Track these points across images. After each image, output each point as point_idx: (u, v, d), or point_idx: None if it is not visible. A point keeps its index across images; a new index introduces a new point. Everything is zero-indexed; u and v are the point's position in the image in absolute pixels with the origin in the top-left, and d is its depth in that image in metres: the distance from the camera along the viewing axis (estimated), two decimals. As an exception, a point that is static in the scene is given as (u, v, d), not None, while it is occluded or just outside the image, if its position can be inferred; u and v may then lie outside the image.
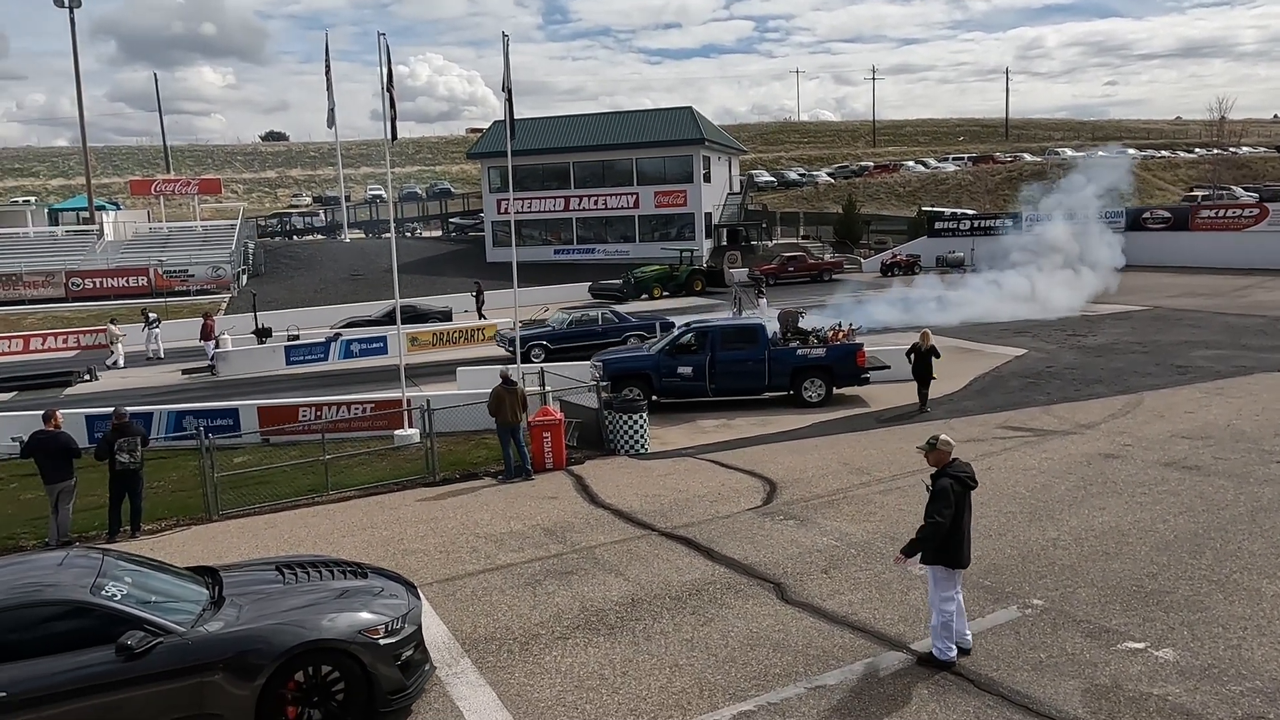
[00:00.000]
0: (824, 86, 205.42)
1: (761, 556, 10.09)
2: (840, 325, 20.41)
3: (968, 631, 7.65)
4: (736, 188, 58.19)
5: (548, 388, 16.87)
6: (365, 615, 6.98)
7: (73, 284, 44.71)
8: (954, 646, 7.41)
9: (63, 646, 6.16)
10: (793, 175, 77.78)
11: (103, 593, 6.52)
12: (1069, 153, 75.40)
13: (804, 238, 58.07)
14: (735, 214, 54.46)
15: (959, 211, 55.27)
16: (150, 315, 33.62)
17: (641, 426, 15.72)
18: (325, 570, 7.77)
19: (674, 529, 11.26)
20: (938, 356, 17.74)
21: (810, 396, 18.87)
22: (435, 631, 8.54)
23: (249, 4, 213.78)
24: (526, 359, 26.09)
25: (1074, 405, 17.28)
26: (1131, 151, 57.83)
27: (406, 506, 13.23)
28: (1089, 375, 20.01)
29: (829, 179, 76.29)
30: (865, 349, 19.35)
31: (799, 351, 19.13)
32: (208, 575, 7.60)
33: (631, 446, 15.61)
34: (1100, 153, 38.33)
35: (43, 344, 35.77)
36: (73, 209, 59.40)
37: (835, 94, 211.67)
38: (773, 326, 20.24)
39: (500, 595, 9.39)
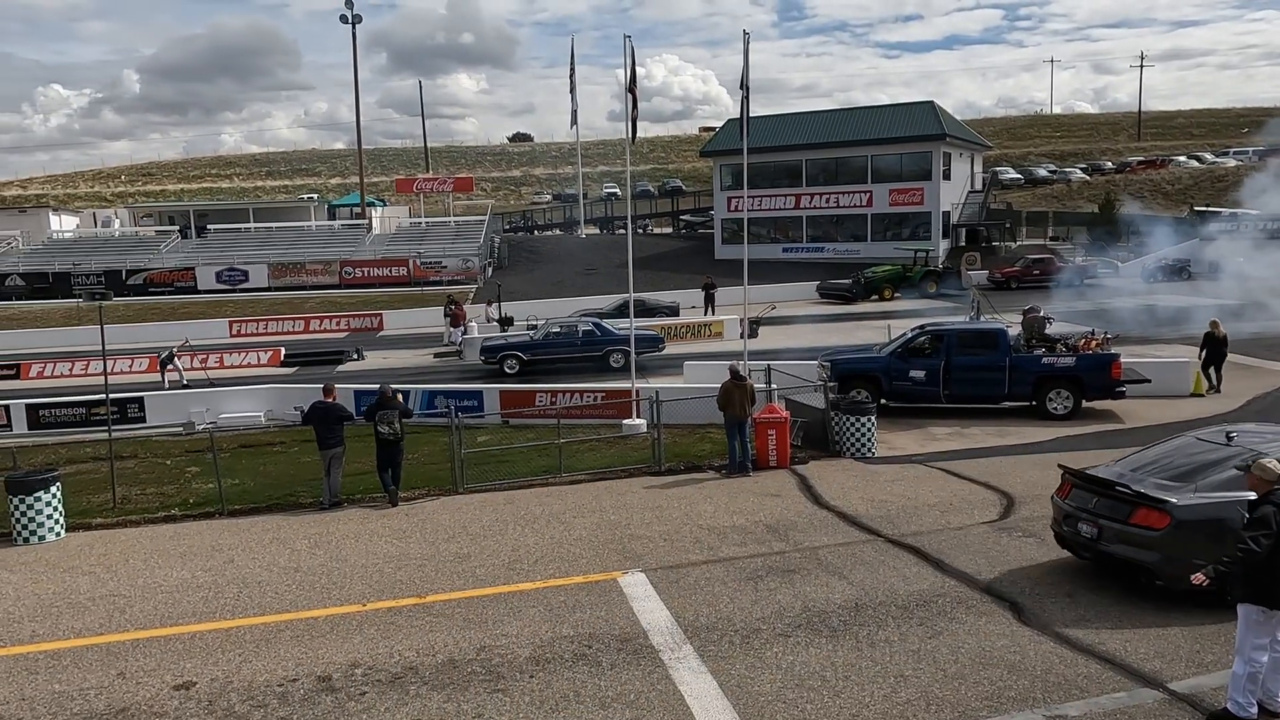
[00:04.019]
0: (1080, 76, 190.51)
1: (996, 573, 9.57)
2: (1093, 333, 18.92)
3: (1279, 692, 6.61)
4: (978, 185, 55.16)
5: (774, 385, 16.83)
6: None
7: (345, 272, 49.65)
8: (1255, 704, 6.46)
9: None
10: (1042, 172, 72.65)
11: None
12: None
13: (1052, 239, 54.14)
14: (976, 213, 51.65)
15: (1240, 211, 49.38)
16: (452, 305, 35.75)
17: (869, 429, 15.34)
18: None
19: (901, 536, 10.91)
20: (1226, 346, 19.15)
21: (1055, 408, 17.63)
22: (658, 616, 8.79)
23: (502, 12, 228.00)
24: (500, 370, 26.13)
25: (1380, 434, 15.01)
26: None
27: (633, 493, 13.67)
28: (1401, 401, 17.34)
29: (1084, 176, 70.60)
30: (1122, 360, 17.82)
31: (1044, 360, 17.92)
32: None
33: (858, 449, 15.27)
34: None
35: (320, 325, 40.01)
36: (347, 204, 65.92)
37: (1093, 84, 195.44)
38: (1014, 331, 19.09)
39: (722, 587, 9.51)
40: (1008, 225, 53.61)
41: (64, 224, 61.11)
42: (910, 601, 8.92)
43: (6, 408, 22.32)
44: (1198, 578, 6.61)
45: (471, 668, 7.94)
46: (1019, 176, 70.95)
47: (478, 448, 16.24)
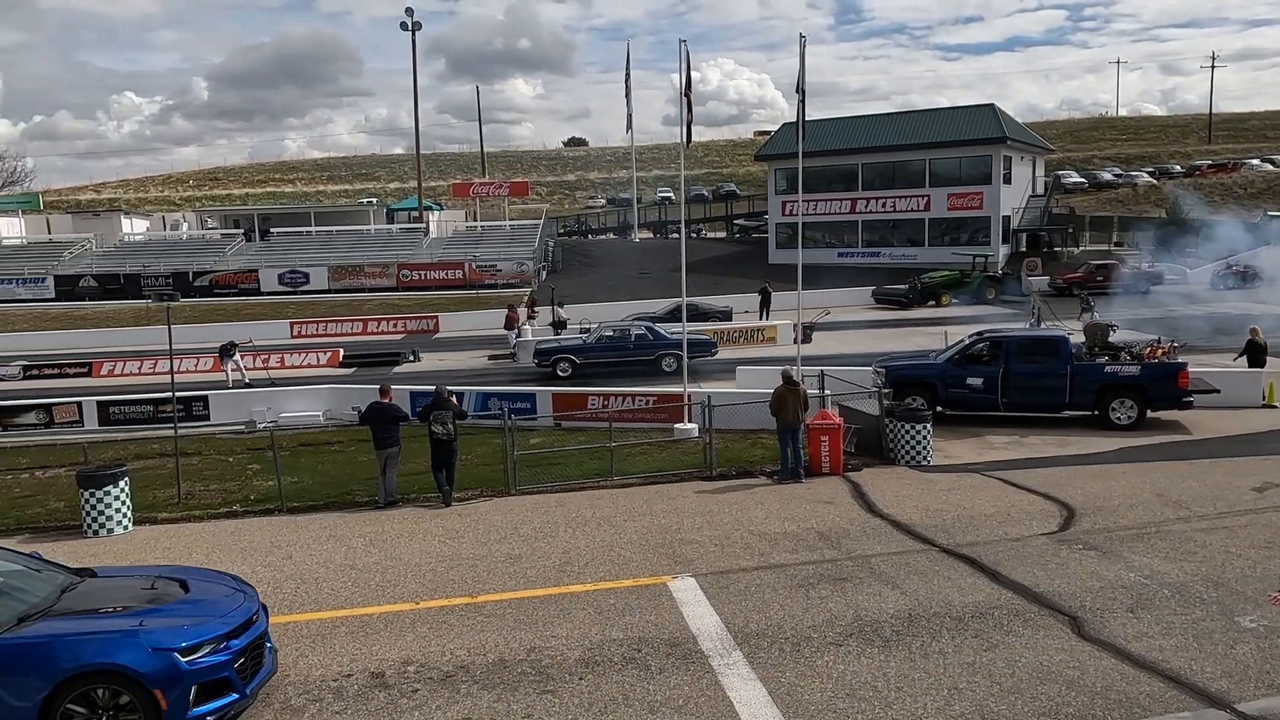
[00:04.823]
0: (1148, 78, 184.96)
1: (1055, 586, 9.34)
2: (1159, 341, 18.41)
3: None
4: (1040, 189, 54.06)
5: (828, 391, 16.67)
6: None
7: (403, 275, 50.43)
8: None
9: None
10: (1107, 176, 70.86)
11: None
12: None
13: (1116, 244, 52.79)
14: (1037, 218, 50.64)
15: (1315, 216, 47.57)
16: (536, 309, 36.41)
17: (925, 437, 15.11)
18: None
19: (956, 546, 10.72)
20: (1265, 354, 19.30)
21: (1118, 418, 17.18)
22: (708, 621, 8.76)
23: (558, 17, 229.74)
24: (553, 373, 26.25)
25: None
26: None
27: (684, 498, 13.64)
28: None
29: (1150, 179, 68.73)
30: (1189, 369, 17.31)
31: (1107, 368, 17.47)
32: None
33: (913, 457, 15.04)
34: None
35: (377, 327, 40.70)
36: (405, 209, 66.96)
37: (1161, 86, 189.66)
38: (1076, 339, 18.67)
39: (773, 593, 9.44)
40: (1070, 230, 52.45)
41: (135, 227, 63.11)
42: (965, 613, 8.75)
43: (79, 404, 23.13)
44: (1275, 596, 6.38)
45: (521, 668, 7.99)
46: (1083, 180, 69.32)
47: (530, 450, 16.37)
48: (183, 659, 6.84)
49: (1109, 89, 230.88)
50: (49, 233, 60.22)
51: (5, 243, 57.81)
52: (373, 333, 40.05)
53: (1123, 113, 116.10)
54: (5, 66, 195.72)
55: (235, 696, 7.11)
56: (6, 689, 6.63)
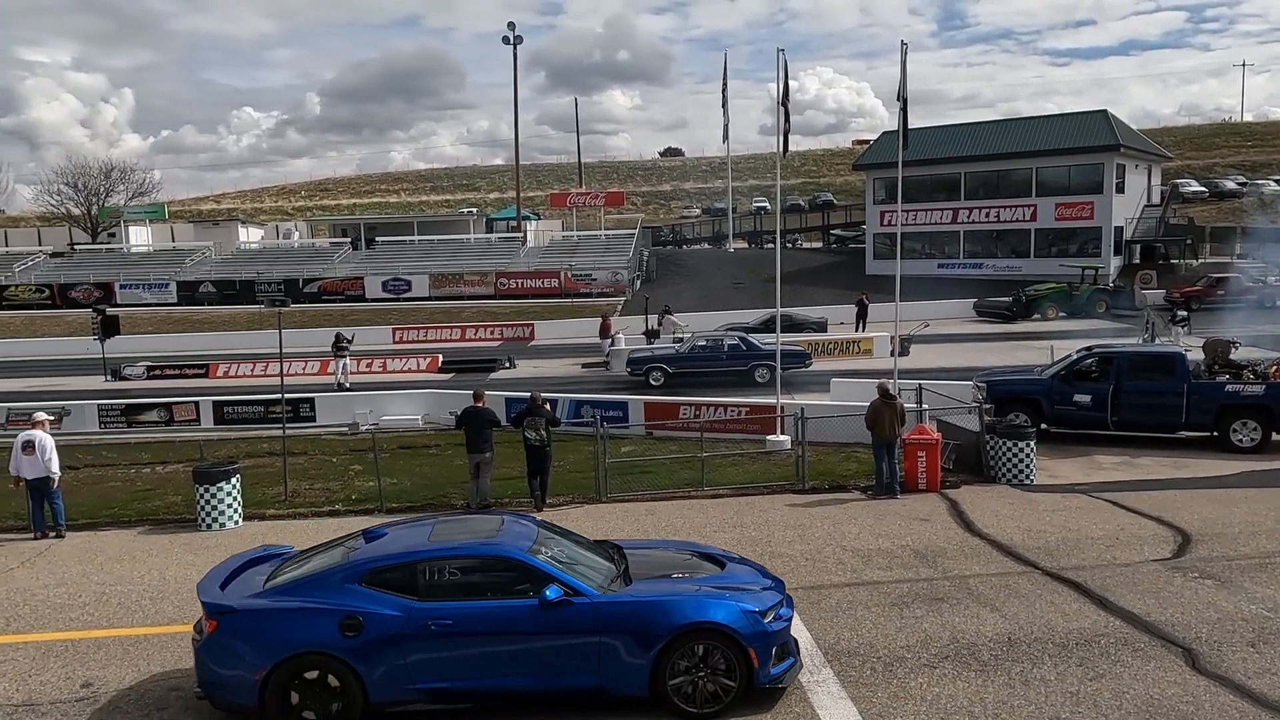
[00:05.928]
0: (1276, 80, 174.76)
1: (1168, 615, 8.88)
2: (1287, 360, 17.36)
3: None
4: (1156, 199, 51.66)
5: (925, 406, 16.27)
6: None
7: (500, 283, 51.43)
8: None
9: None
10: (1230, 184, 67.20)
11: None
12: None
13: (1239, 256, 49.97)
14: (1152, 228, 48.39)
15: None
16: (667, 316, 36.38)
17: (1028, 455, 14.58)
18: None
19: (1060, 570, 10.31)
20: None
21: (1240, 440, 16.25)
22: (798, 637, 8.62)
23: (656, 29, 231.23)
24: (645, 382, 25.72)
25: None
26: None
27: (775, 510, 13.50)
28: None
29: (1278, 188, 64.84)
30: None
31: (1229, 387, 16.56)
32: None
33: (1015, 476, 14.54)
34: None
35: (475, 334, 41.61)
36: (504, 218, 68.33)
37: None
38: (1194, 356, 17.75)
39: (865, 611, 9.25)
40: (1188, 241, 49.93)
41: (250, 236, 66.21)
42: (1069, 639, 8.41)
43: (196, 404, 24.34)
44: None
45: (609, 675, 8.00)
46: (1203, 189, 65.95)
47: (621, 457, 16.45)
48: (763, 621, 7.29)
49: (1233, 93, 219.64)
50: (173, 241, 63.71)
51: (134, 250, 61.41)
52: (471, 339, 40.95)
53: (1248, 118, 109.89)
54: (137, 85, 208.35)
55: (794, 660, 7.58)
56: (625, 645, 7.06)
